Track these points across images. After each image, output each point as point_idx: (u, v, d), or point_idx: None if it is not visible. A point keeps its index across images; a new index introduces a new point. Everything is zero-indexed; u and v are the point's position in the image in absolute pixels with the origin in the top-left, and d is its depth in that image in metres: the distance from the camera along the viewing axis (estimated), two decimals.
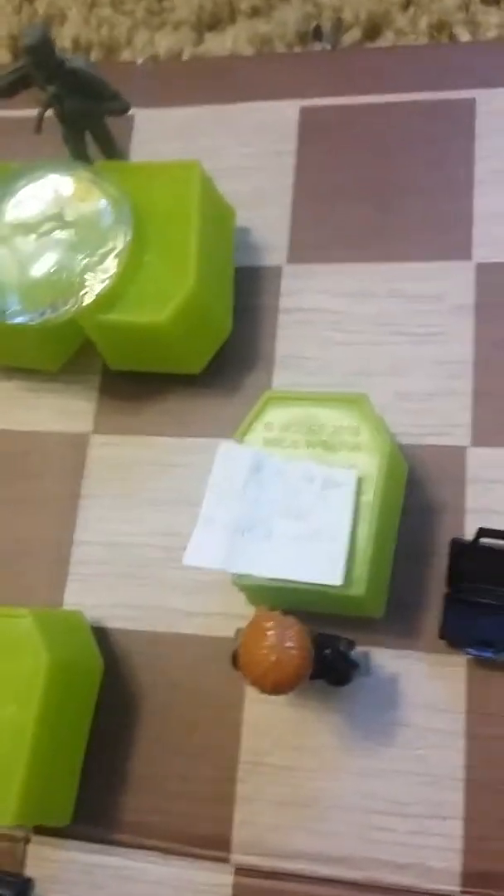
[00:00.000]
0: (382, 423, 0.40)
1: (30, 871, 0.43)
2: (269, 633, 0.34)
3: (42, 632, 0.40)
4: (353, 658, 0.39)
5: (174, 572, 0.46)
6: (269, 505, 0.40)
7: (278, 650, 0.34)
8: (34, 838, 0.43)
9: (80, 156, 0.49)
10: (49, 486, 0.49)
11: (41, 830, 0.43)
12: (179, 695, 0.44)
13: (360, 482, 0.39)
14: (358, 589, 0.38)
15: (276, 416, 0.41)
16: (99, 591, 0.46)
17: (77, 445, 0.49)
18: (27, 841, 0.44)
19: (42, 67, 0.43)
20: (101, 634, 0.45)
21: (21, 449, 0.50)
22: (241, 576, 0.40)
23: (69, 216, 0.45)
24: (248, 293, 0.50)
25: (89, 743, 0.43)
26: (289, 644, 0.34)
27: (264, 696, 0.42)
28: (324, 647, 0.37)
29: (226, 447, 0.41)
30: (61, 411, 0.50)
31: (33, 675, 0.40)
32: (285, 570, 0.38)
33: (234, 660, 0.39)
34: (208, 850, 0.41)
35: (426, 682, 0.41)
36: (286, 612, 0.36)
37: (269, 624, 0.35)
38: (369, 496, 0.39)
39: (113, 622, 0.46)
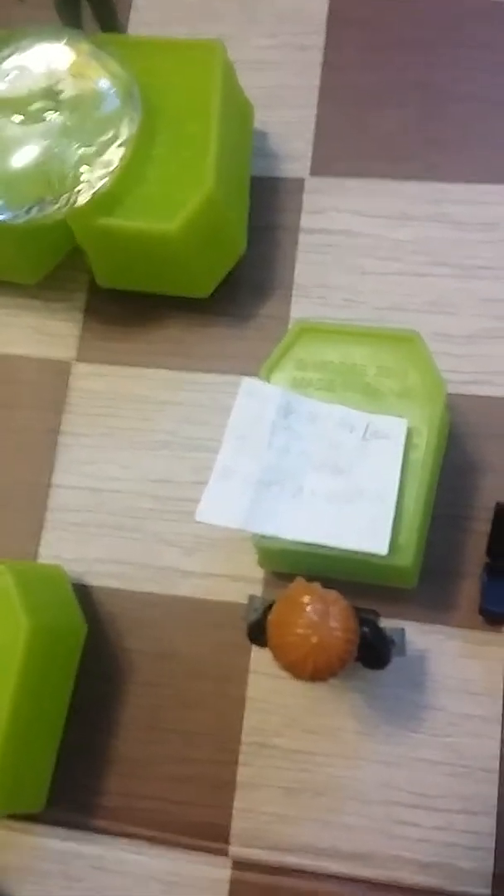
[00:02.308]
0: (435, 367, 0.35)
1: None
2: (309, 609, 0.29)
3: (21, 591, 0.35)
4: (388, 635, 0.34)
5: (169, 525, 0.41)
6: (300, 456, 0.34)
7: (321, 630, 0.29)
8: (1, 823, 0.38)
9: (73, 26, 0.41)
10: (23, 418, 0.43)
11: (9, 815, 0.38)
12: (173, 665, 0.39)
13: (409, 434, 0.33)
14: (404, 559, 0.33)
15: (309, 351, 0.36)
16: (80, 544, 0.41)
17: (57, 374, 0.43)
18: None
19: None
20: (83, 593, 0.40)
21: None
22: (263, 537, 0.34)
23: (63, 95, 0.38)
24: (263, 209, 0.44)
25: (68, 717, 0.39)
26: (333, 624, 0.29)
27: (271, 669, 0.38)
28: (362, 624, 0.31)
29: (249, 385, 0.35)
30: (39, 332, 0.44)
31: (11, 643, 0.35)
32: (319, 533, 0.33)
33: (253, 633, 0.34)
34: (203, 840, 0.37)
35: (460, 662, 0.37)
36: (326, 584, 0.31)
37: (308, 598, 0.29)
38: (419, 451, 0.34)
39: (96, 579, 0.41)
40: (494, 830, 0.35)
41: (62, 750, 0.38)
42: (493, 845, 0.35)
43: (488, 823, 0.35)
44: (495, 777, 0.36)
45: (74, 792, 0.38)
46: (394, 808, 0.36)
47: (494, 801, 0.36)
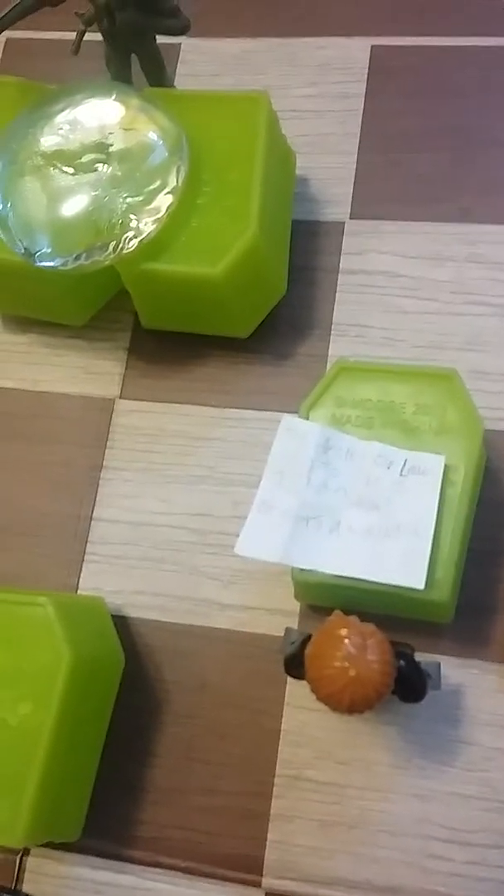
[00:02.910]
0: (473, 404, 0.35)
1: (28, 886, 0.39)
2: (347, 642, 0.29)
3: (63, 623, 0.36)
4: (423, 669, 0.34)
5: (206, 558, 0.41)
6: (338, 492, 0.35)
7: (359, 663, 0.29)
8: (35, 850, 0.39)
9: (122, 80, 0.43)
10: (67, 454, 0.44)
11: (46, 843, 0.38)
12: (209, 697, 0.39)
13: (446, 470, 0.34)
14: (440, 594, 0.33)
15: (348, 389, 0.36)
16: (120, 576, 0.42)
17: (101, 410, 0.45)
18: (26, 853, 0.39)
19: None
20: (122, 625, 0.41)
21: (36, 411, 0.45)
22: (301, 571, 0.35)
23: (113, 147, 0.39)
24: (304, 251, 0.45)
25: (104, 747, 0.39)
26: (371, 657, 0.29)
27: (306, 702, 0.38)
28: (398, 657, 0.32)
29: (290, 422, 0.36)
30: (84, 372, 0.45)
31: (52, 672, 0.35)
32: (357, 568, 0.33)
33: (289, 666, 0.34)
34: (237, 871, 0.37)
35: (495, 697, 0.37)
36: (361, 617, 0.31)
37: (345, 631, 0.30)
38: (456, 487, 0.34)
39: (135, 611, 0.41)
40: None
41: (98, 780, 0.39)
42: None
43: None
44: None
45: (109, 821, 0.38)
46: (427, 842, 0.36)
47: None
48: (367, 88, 0.47)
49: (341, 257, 0.44)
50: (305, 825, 0.37)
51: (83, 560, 0.42)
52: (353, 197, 0.45)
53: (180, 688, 0.40)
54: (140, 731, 0.39)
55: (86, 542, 0.42)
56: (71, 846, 0.38)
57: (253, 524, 0.35)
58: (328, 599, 0.36)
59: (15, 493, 0.44)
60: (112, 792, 0.39)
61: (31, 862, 0.39)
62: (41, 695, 0.35)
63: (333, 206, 0.45)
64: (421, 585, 0.33)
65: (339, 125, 0.46)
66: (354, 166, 0.46)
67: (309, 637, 0.32)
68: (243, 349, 0.44)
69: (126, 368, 0.45)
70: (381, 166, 0.45)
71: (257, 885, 0.37)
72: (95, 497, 0.43)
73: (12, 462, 0.44)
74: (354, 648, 0.29)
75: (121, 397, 0.45)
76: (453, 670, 0.38)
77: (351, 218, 0.45)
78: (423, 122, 0.46)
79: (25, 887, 0.39)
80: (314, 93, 0.47)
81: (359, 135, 0.46)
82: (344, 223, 0.45)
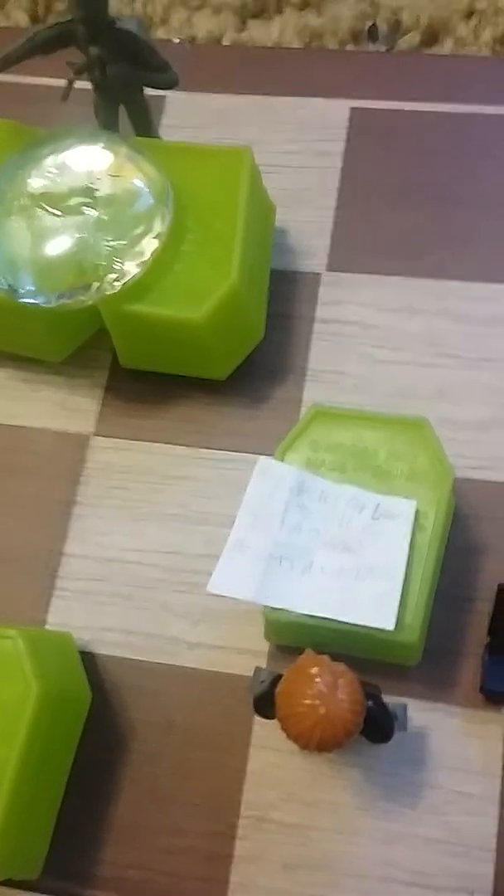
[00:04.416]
0: (443, 451, 0.37)
1: None
2: (318, 680, 0.30)
3: (32, 657, 0.36)
4: (391, 710, 0.35)
5: (176, 596, 0.42)
6: (311, 533, 0.36)
7: (329, 702, 0.29)
8: None
9: (110, 129, 0.44)
10: (39, 488, 0.44)
11: (3, 881, 0.38)
12: (175, 736, 0.39)
13: (417, 515, 0.35)
14: (409, 636, 0.34)
15: (322, 433, 0.37)
16: (88, 612, 0.42)
17: (75, 446, 0.45)
18: None
19: (90, 24, 0.39)
20: (89, 660, 0.41)
21: (9, 444, 0.46)
22: (273, 609, 0.35)
23: (100, 192, 0.40)
24: (281, 299, 0.46)
25: (67, 784, 0.39)
26: (341, 696, 0.30)
27: (272, 743, 0.38)
28: (367, 697, 0.32)
29: (265, 464, 0.37)
30: (60, 407, 0.46)
31: (19, 707, 0.35)
32: (328, 608, 0.34)
33: (258, 705, 0.34)
34: None
35: (459, 740, 0.38)
36: (331, 658, 0.32)
37: (316, 670, 0.30)
38: (426, 532, 0.35)
39: (103, 648, 0.41)
40: None
41: (60, 817, 0.38)
42: None
43: None
44: (492, 856, 0.36)
45: (69, 859, 0.38)
46: (391, 884, 0.36)
47: (491, 881, 0.36)
48: (345, 147, 0.49)
49: (317, 306, 0.46)
50: (269, 867, 0.37)
51: (52, 595, 0.42)
52: (329, 249, 0.47)
53: (146, 726, 0.39)
54: (104, 768, 0.39)
55: (55, 577, 0.42)
56: (29, 885, 0.38)
57: (226, 562, 0.35)
58: (299, 639, 0.37)
59: None
60: (74, 830, 0.38)
61: None
62: (7, 728, 0.34)
63: (311, 257, 0.47)
64: (391, 626, 0.33)
65: (318, 180, 0.48)
66: (332, 220, 0.47)
67: (279, 677, 0.33)
68: (220, 391, 0.44)
69: (102, 406, 0.45)
70: (357, 221, 0.47)
71: None
72: (67, 532, 0.43)
73: None
74: (325, 687, 0.30)
75: (96, 434, 0.45)
76: (419, 713, 0.38)
77: (327, 269, 0.46)
78: (398, 181, 0.48)
79: None
80: (295, 149, 0.49)
81: (336, 190, 0.48)
82: (320, 274, 0.46)
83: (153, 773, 0.39)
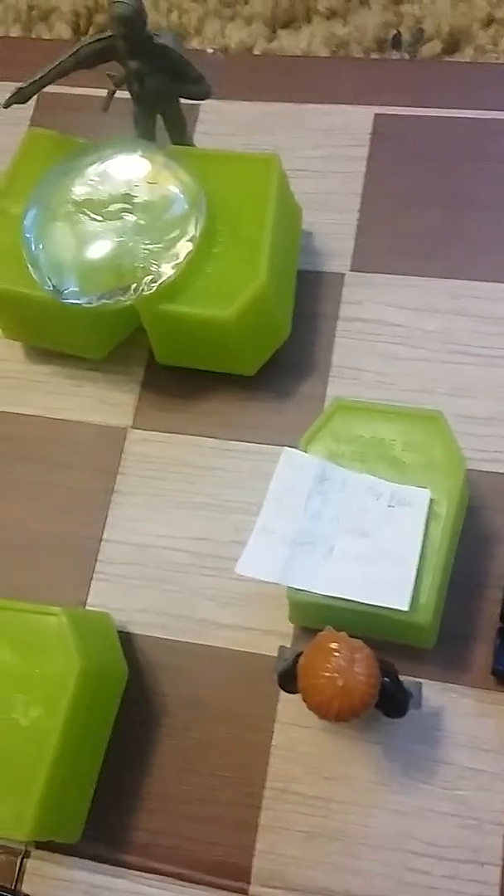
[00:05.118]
0: (457, 444, 0.38)
1: (26, 887, 0.40)
2: (336, 655, 0.32)
3: (75, 634, 0.38)
4: (406, 688, 0.37)
5: (207, 580, 0.44)
6: (332, 520, 0.38)
7: (346, 675, 0.32)
8: (34, 853, 0.41)
9: (148, 139, 0.47)
10: (81, 478, 0.47)
11: (43, 845, 0.41)
12: (204, 711, 0.41)
13: (430, 503, 0.37)
14: (423, 617, 0.36)
15: (344, 426, 0.39)
16: (125, 594, 0.44)
17: (114, 439, 0.47)
18: (27, 855, 0.41)
19: (129, 40, 0.41)
20: (125, 640, 0.43)
21: (53, 436, 0.48)
22: (296, 591, 0.37)
23: (138, 199, 0.43)
24: (307, 298, 0.48)
25: (105, 756, 0.41)
26: (358, 669, 0.32)
27: (296, 720, 0.41)
28: (383, 674, 0.34)
29: (289, 454, 0.39)
30: (100, 402, 0.48)
31: (63, 680, 0.37)
32: (347, 589, 0.36)
33: (283, 680, 0.37)
34: (225, 878, 0.39)
35: (472, 720, 0.39)
36: (351, 636, 0.34)
37: (336, 645, 0.33)
38: (440, 520, 0.37)
39: (138, 628, 0.43)
40: (500, 881, 0.37)
41: (97, 786, 0.40)
42: (497, 895, 0.37)
43: (495, 874, 0.37)
44: (501, 830, 0.38)
45: (105, 827, 0.40)
46: (406, 855, 0.38)
47: (500, 853, 0.37)
48: (369, 152, 0.50)
49: (341, 306, 0.48)
50: (291, 836, 0.39)
51: (92, 578, 0.44)
52: (353, 251, 0.49)
53: (177, 702, 0.42)
54: (138, 741, 0.41)
55: (95, 561, 0.45)
56: (68, 849, 0.40)
57: (253, 547, 0.38)
58: (320, 620, 0.38)
59: (31, 514, 0.46)
60: (110, 798, 0.40)
61: (30, 864, 0.41)
62: (52, 700, 0.37)
63: (335, 258, 0.49)
64: (405, 607, 0.35)
65: (342, 185, 0.50)
66: (356, 223, 0.49)
67: (301, 654, 0.35)
68: (248, 386, 0.46)
69: (139, 400, 0.48)
70: (380, 224, 0.49)
71: (244, 892, 0.39)
72: (106, 519, 0.45)
73: (29, 484, 0.47)
74: (343, 661, 0.32)
75: (133, 427, 0.47)
76: (434, 694, 0.40)
77: (351, 270, 0.48)
78: (419, 185, 0.49)
79: (24, 888, 0.40)
80: (321, 154, 0.51)
81: (360, 194, 0.50)
82: (344, 275, 0.48)
83: (183, 747, 0.41)
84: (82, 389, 0.48)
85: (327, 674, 0.32)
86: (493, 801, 0.38)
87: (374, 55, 0.53)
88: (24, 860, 0.41)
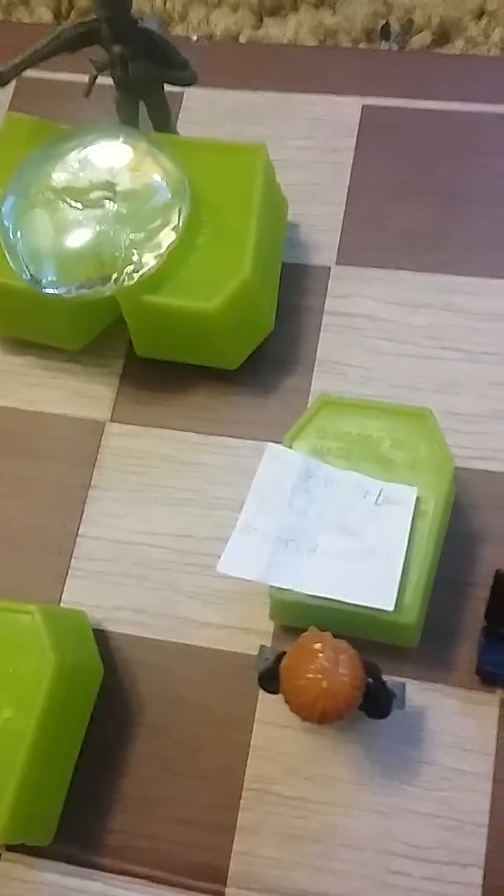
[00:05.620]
0: (445, 441, 0.38)
1: None
2: (321, 656, 0.31)
3: (49, 631, 0.37)
4: (389, 688, 0.36)
5: (187, 577, 0.43)
6: (316, 517, 0.37)
7: (330, 676, 0.31)
8: (4, 854, 0.40)
9: (131, 125, 0.46)
10: (56, 471, 0.46)
11: (15, 847, 0.40)
12: (182, 711, 0.41)
13: (417, 502, 0.36)
14: (408, 617, 0.35)
15: (329, 422, 0.39)
16: (102, 591, 0.43)
17: (91, 432, 0.46)
18: None
19: (114, 24, 0.40)
20: (101, 638, 0.42)
21: (29, 429, 0.47)
22: (279, 589, 0.37)
23: (120, 186, 0.42)
24: (292, 292, 0.47)
25: (79, 756, 0.40)
26: (342, 671, 0.31)
27: (276, 719, 0.40)
28: (367, 675, 0.34)
29: (274, 450, 0.38)
30: (78, 394, 0.47)
31: (37, 678, 0.37)
32: (332, 588, 0.36)
33: (263, 680, 0.36)
34: (201, 881, 0.39)
35: (455, 720, 0.39)
36: (335, 636, 0.33)
37: (320, 646, 0.32)
38: (426, 518, 0.36)
39: (114, 626, 0.43)
40: (482, 883, 0.37)
41: (71, 787, 0.40)
42: None
43: (477, 875, 0.37)
44: (484, 831, 0.37)
45: (79, 828, 0.39)
46: (386, 857, 0.38)
47: (483, 855, 0.37)
48: (356, 144, 0.50)
49: (326, 299, 0.47)
50: (269, 838, 0.39)
51: (67, 574, 0.44)
52: (339, 244, 0.48)
53: (156, 701, 0.41)
54: (114, 741, 0.41)
55: (70, 558, 0.44)
56: (41, 851, 0.39)
57: (235, 544, 0.37)
58: (303, 619, 0.38)
59: (4, 507, 0.45)
60: (84, 799, 0.40)
61: (2, 867, 0.40)
62: (25, 700, 0.36)
63: (321, 251, 0.48)
64: (390, 607, 0.35)
65: (329, 176, 0.49)
66: (342, 215, 0.49)
67: (282, 654, 0.34)
68: (231, 380, 0.46)
69: (118, 393, 0.47)
70: (367, 217, 0.48)
71: (221, 894, 0.38)
72: (82, 514, 0.45)
73: (2, 477, 0.46)
74: (328, 662, 0.31)
75: (111, 420, 0.46)
76: (417, 693, 0.39)
77: (337, 263, 0.48)
78: (407, 178, 0.49)
79: None
80: (308, 145, 0.50)
81: (347, 186, 0.49)
82: (330, 268, 0.48)
83: (161, 746, 0.40)
84: (59, 381, 0.48)
85: (311, 675, 0.31)
86: (476, 802, 0.38)
87: (363, 45, 0.52)
88: None
